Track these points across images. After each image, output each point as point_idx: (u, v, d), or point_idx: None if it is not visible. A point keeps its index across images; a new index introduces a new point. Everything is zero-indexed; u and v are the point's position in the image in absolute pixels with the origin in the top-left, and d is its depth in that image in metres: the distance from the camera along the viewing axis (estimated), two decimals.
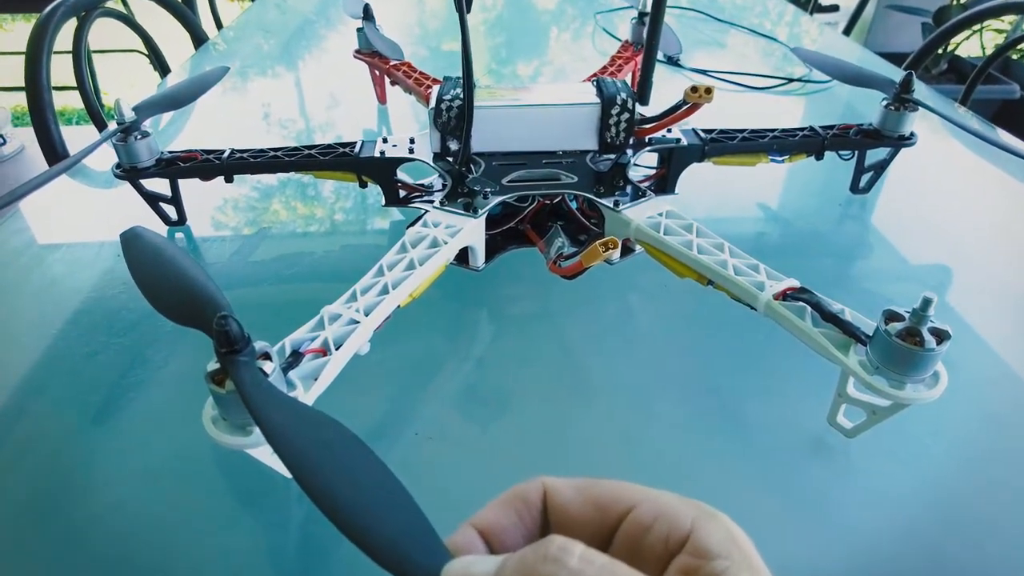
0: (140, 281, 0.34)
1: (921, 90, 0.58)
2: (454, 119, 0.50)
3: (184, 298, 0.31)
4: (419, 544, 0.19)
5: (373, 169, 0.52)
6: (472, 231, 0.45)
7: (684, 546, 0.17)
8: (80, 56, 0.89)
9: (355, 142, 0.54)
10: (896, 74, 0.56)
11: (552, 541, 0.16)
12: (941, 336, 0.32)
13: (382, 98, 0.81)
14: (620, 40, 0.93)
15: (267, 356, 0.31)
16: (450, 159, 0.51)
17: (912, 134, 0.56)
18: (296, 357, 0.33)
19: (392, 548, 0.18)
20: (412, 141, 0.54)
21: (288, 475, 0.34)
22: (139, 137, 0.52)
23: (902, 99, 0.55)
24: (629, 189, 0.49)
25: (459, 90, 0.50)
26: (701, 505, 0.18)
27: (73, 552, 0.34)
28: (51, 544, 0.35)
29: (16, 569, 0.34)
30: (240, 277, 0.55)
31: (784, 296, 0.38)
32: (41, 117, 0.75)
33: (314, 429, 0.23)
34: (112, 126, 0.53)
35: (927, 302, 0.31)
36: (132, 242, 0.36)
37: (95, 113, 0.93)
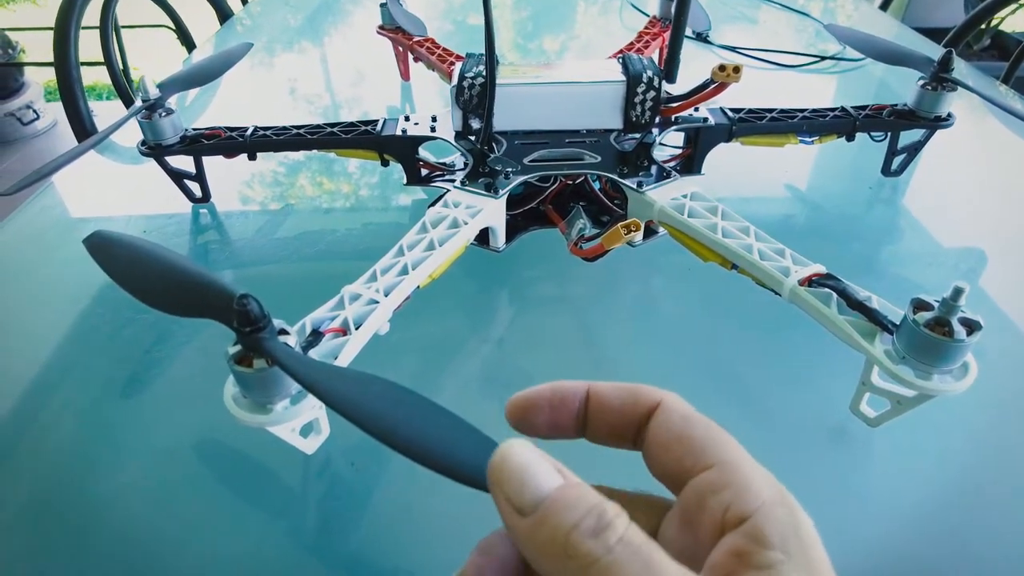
0: (124, 282, 0.33)
1: (960, 68, 0.56)
2: (476, 97, 0.49)
3: (182, 290, 0.31)
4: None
5: (394, 147, 0.52)
6: (493, 212, 0.45)
7: (740, 527, 0.16)
8: (107, 31, 0.89)
9: (377, 120, 0.53)
10: (935, 51, 0.54)
11: (605, 512, 0.16)
12: (972, 327, 0.31)
13: (405, 75, 0.81)
14: (647, 15, 0.91)
15: (284, 332, 0.31)
16: (472, 138, 0.50)
17: (949, 115, 0.54)
18: (316, 336, 0.33)
19: (481, 471, 0.19)
20: (434, 119, 0.53)
21: (308, 452, 0.35)
22: (163, 114, 0.52)
23: (940, 78, 0.53)
24: (654, 169, 0.48)
25: (482, 67, 0.49)
26: (782, 492, 0.17)
27: (98, 525, 0.35)
28: (77, 517, 0.36)
29: (43, 541, 0.35)
30: (264, 254, 0.55)
31: (810, 282, 0.37)
32: (70, 93, 0.76)
33: (361, 384, 0.23)
34: (138, 103, 0.53)
35: (958, 292, 0.30)
36: (100, 247, 0.35)
37: (122, 89, 0.94)
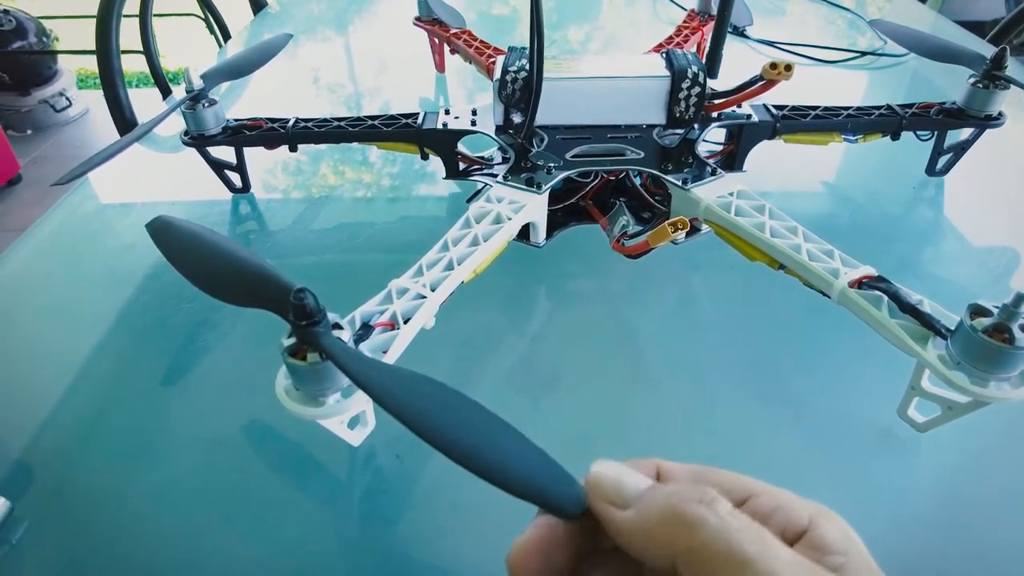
0: (182, 267, 0.34)
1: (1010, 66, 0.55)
2: (519, 91, 0.49)
3: (239, 280, 0.31)
4: (551, 474, 0.20)
5: (435, 141, 0.52)
6: (535, 207, 0.45)
7: (800, 539, 0.17)
8: (147, 20, 0.90)
9: (417, 113, 0.53)
10: (978, 45, 0.53)
11: (708, 490, 0.17)
12: None
13: (440, 67, 0.81)
14: (685, 9, 0.90)
15: (338, 326, 0.31)
16: (512, 132, 0.50)
17: (1000, 114, 0.53)
18: (366, 330, 0.33)
19: (528, 481, 0.19)
20: (474, 113, 0.53)
21: (355, 444, 0.35)
22: (207, 105, 0.53)
23: (992, 76, 0.52)
24: (696, 166, 0.48)
25: (524, 61, 0.49)
26: (820, 506, 0.18)
27: (152, 512, 0.36)
28: (130, 504, 0.37)
29: (90, 530, 0.35)
30: (305, 245, 0.56)
31: (860, 284, 0.36)
32: (111, 82, 0.77)
33: (414, 385, 0.23)
34: (181, 93, 0.54)
35: (1020, 298, 0.30)
36: (162, 231, 0.36)
37: (160, 78, 0.95)
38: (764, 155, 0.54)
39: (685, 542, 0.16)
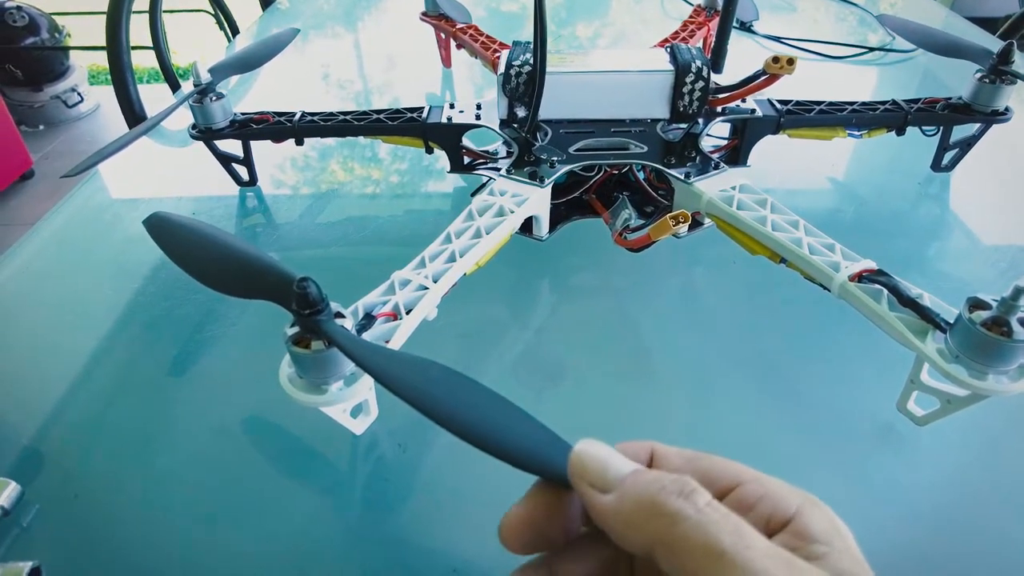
0: (182, 262, 0.34)
1: (1018, 60, 0.55)
2: (523, 85, 0.49)
3: (240, 271, 0.32)
4: (552, 445, 0.21)
5: (440, 135, 0.52)
6: (538, 200, 0.45)
7: (785, 528, 0.17)
8: (156, 16, 0.91)
9: (422, 107, 0.54)
10: (989, 41, 0.53)
11: (689, 481, 0.17)
12: None
13: (447, 61, 0.81)
14: (691, 4, 0.90)
15: (340, 316, 0.32)
16: (516, 126, 0.51)
17: (1007, 109, 0.53)
18: (369, 320, 0.34)
19: (530, 452, 0.20)
20: (479, 107, 0.54)
21: (357, 432, 0.36)
22: (214, 99, 0.53)
23: (999, 71, 0.52)
24: (700, 160, 0.48)
25: (529, 55, 0.49)
26: (808, 495, 0.18)
27: (157, 500, 0.37)
28: (133, 492, 0.37)
29: (99, 514, 0.36)
30: (311, 238, 0.56)
31: (860, 278, 0.37)
32: (120, 77, 0.78)
33: (418, 369, 0.24)
34: (189, 88, 0.54)
35: (1018, 291, 0.30)
36: (159, 227, 0.36)
37: (169, 72, 0.96)
38: (769, 150, 0.54)
39: (661, 533, 0.16)
